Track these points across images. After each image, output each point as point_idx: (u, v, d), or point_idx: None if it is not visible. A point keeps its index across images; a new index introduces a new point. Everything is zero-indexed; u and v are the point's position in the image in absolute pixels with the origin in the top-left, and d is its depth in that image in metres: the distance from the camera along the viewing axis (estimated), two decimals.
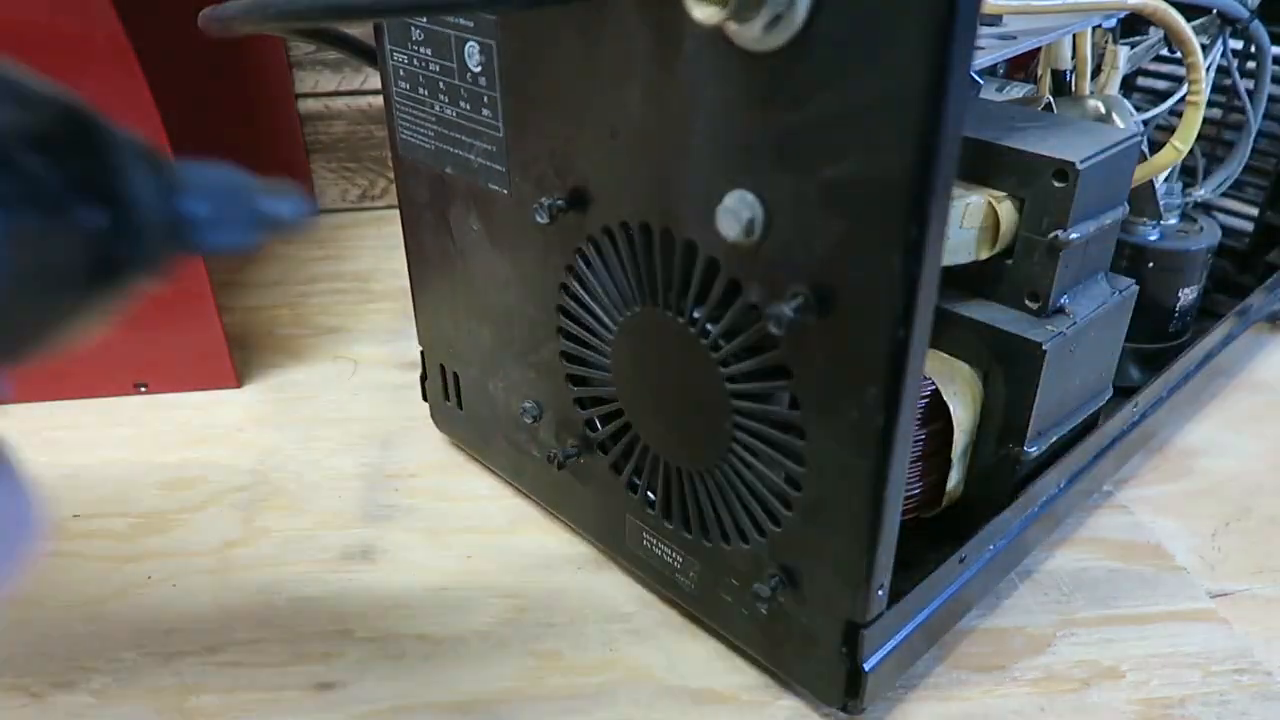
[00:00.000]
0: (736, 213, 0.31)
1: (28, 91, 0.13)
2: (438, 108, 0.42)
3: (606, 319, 0.39)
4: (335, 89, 0.86)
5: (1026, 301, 0.40)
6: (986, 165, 0.39)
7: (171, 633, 0.44)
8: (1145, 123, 0.51)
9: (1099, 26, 0.48)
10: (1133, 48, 0.51)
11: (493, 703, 0.41)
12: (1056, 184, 0.38)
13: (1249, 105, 0.55)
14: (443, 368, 0.52)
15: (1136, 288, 0.44)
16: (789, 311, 0.30)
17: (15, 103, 0.13)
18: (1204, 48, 0.49)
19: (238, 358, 0.64)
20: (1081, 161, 0.37)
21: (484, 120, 0.40)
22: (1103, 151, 0.38)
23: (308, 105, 0.86)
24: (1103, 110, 0.49)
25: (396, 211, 0.50)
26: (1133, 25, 0.52)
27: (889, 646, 0.37)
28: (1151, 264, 0.52)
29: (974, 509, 0.42)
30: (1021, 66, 0.57)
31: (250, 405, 0.62)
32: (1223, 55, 0.53)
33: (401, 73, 0.43)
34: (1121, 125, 0.48)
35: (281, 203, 0.22)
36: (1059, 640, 0.43)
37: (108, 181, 0.13)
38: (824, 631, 0.37)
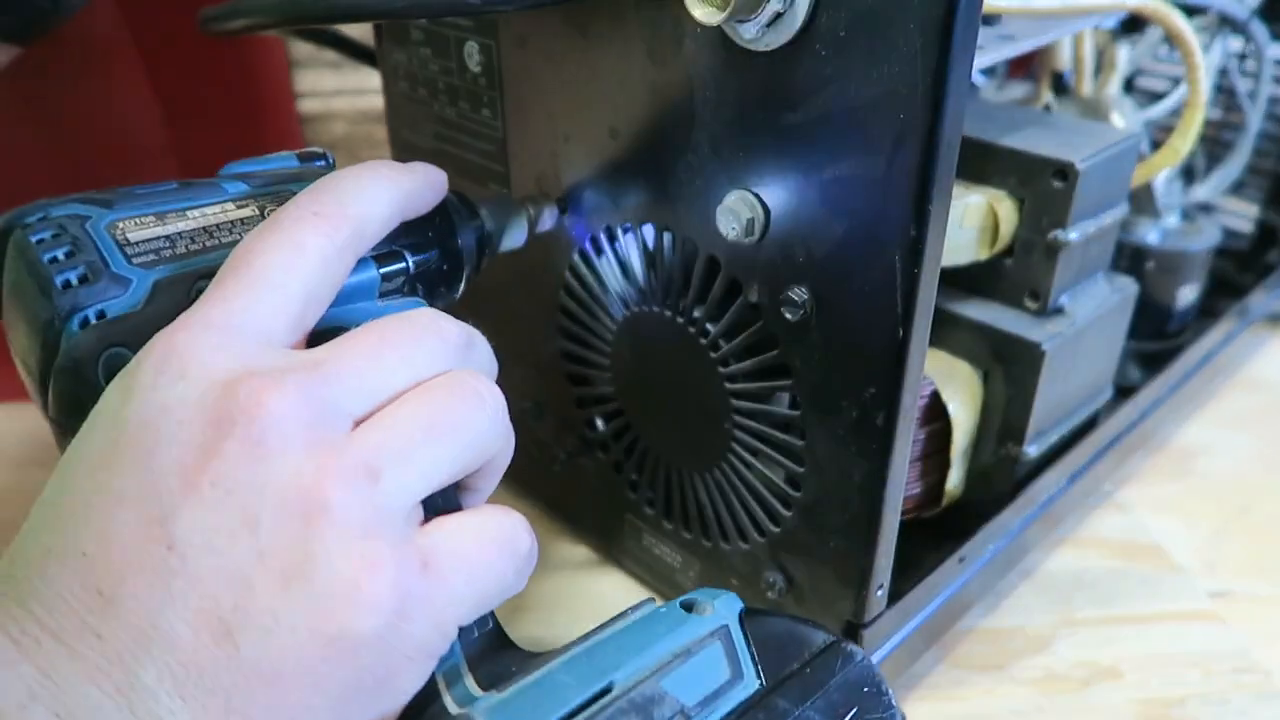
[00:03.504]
0: (736, 213, 0.31)
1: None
2: (438, 108, 0.42)
3: (606, 319, 0.39)
4: (335, 89, 0.86)
5: (1026, 301, 0.40)
6: (986, 165, 0.39)
7: None
8: (1145, 123, 0.51)
9: (1099, 27, 0.48)
10: (1133, 47, 0.51)
11: None
12: (1056, 184, 0.38)
13: (1248, 105, 0.55)
14: None
15: (1136, 288, 0.44)
16: (789, 313, 0.30)
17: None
18: (1203, 48, 0.49)
19: None
20: (1081, 161, 0.37)
21: (484, 120, 0.40)
22: (1102, 151, 0.38)
23: (308, 105, 0.86)
24: (1103, 110, 0.49)
25: None
26: (1133, 25, 0.52)
27: (889, 646, 0.37)
28: (1151, 264, 0.53)
29: (974, 509, 0.42)
30: (1022, 66, 0.57)
31: None
32: (1222, 55, 0.53)
33: (401, 73, 0.43)
34: (1122, 125, 0.48)
35: (542, 209, 0.35)
36: (1059, 640, 0.43)
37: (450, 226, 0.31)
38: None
